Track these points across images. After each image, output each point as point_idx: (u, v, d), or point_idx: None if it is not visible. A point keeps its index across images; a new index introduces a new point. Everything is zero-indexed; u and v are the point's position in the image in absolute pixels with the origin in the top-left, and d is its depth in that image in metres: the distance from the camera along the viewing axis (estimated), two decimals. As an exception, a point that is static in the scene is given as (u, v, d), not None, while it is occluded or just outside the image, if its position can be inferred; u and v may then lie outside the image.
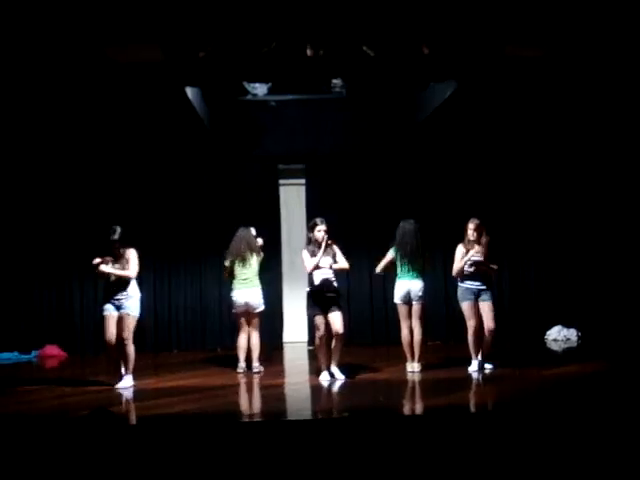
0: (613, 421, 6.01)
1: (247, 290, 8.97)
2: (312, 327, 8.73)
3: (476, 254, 8.59)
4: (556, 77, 9.62)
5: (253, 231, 9.18)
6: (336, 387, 8.14)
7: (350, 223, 11.53)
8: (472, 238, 8.62)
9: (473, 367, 8.62)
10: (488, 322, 8.57)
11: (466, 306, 8.63)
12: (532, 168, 11.87)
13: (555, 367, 9.02)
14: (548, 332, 11.62)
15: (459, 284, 8.70)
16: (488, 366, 8.67)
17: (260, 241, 9.22)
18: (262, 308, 9.11)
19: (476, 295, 8.60)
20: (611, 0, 7.25)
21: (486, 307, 8.60)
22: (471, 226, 8.65)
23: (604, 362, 9.24)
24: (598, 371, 8.56)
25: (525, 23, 7.53)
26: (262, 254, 9.17)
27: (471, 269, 8.60)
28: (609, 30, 7.95)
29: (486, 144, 11.72)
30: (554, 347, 11.03)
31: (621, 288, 11.58)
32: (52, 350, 11.30)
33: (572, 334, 11.52)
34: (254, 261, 9.05)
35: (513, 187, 11.85)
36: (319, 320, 8.34)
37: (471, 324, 8.59)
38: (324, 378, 8.36)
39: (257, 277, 9.08)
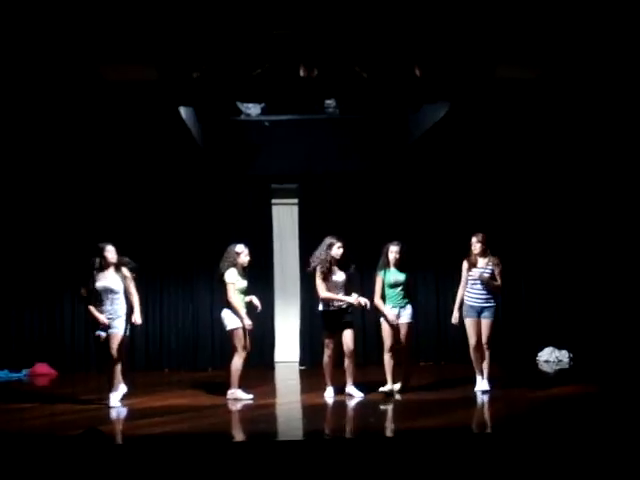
0: (604, 443, 6.01)
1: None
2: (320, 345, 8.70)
3: (486, 268, 8.62)
4: (548, 98, 9.67)
5: (238, 247, 8.72)
6: (331, 407, 8.14)
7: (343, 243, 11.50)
8: (476, 252, 8.65)
9: (479, 386, 8.66)
10: (483, 338, 8.61)
11: (468, 323, 8.66)
12: (523, 188, 11.92)
13: (547, 388, 9.01)
14: (540, 353, 11.63)
15: (464, 301, 8.71)
16: (486, 387, 8.68)
17: (239, 248, 8.67)
18: (228, 328, 8.57)
19: (479, 312, 8.63)
20: (602, 21, 7.29)
21: (484, 323, 8.62)
22: (474, 240, 8.68)
23: (595, 384, 9.24)
24: (589, 393, 8.57)
25: (516, 45, 7.58)
26: (225, 271, 8.57)
27: (475, 285, 8.63)
28: (601, 51, 8.01)
29: (478, 164, 11.77)
30: (546, 368, 11.03)
31: (613, 310, 11.60)
32: (42, 368, 11.25)
33: (564, 356, 11.53)
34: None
35: (504, 207, 11.89)
36: (331, 339, 8.48)
37: (471, 342, 8.65)
38: (329, 395, 8.49)
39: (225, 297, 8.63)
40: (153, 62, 7.35)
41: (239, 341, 8.49)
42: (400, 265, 8.71)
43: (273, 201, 12.08)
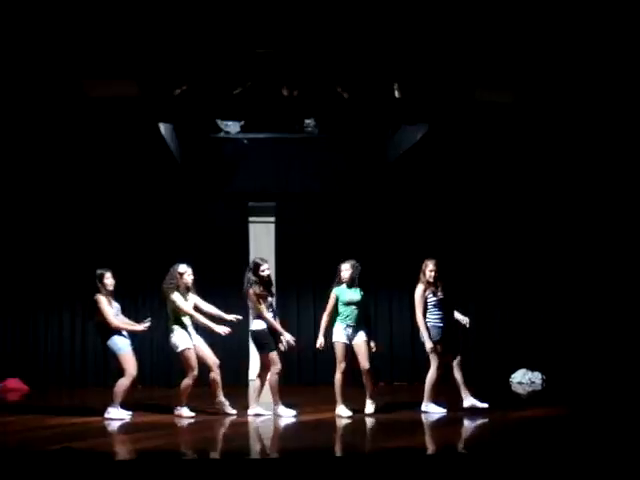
0: (575, 465, 6.06)
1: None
2: (266, 364, 8.60)
3: (440, 294, 8.64)
4: (526, 122, 9.79)
5: (181, 268, 8.66)
6: (298, 425, 8.13)
7: (318, 263, 11.56)
8: (431, 280, 8.63)
9: (468, 402, 8.67)
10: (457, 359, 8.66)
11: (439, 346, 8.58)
12: (498, 211, 12.03)
13: (519, 410, 9.05)
14: (513, 375, 11.72)
15: (431, 325, 8.64)
16: (481, 404, 8.69)
17: (182, 269, 8.64)
18: (178, 350, 8.61)
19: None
20: (580, 46, 7.41)
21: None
22: (431, 267, 8.66)
23: (567, 406, 9.31)
24: (562, 415, 8.63)
25: (494, 69, 7.69)
26: (171, 294, 8.52)
27: (437, 310, 8.64)
28: (580, 75, 8.13)
29: (456, 186, 11.88)
30: (519, 390, 11.10)
31: (585, 331, 11.74)
32: (14, 383, 11.15)
33: (537, 377, 11.62)
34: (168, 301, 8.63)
35: (480, 230, 12.00)
36: (276, 355, 8.50)
37: (436, 363, 8.56)
38: (261, 412, 8.60)
39: (170, 319, 8.65)
40: (136, 79, 7.36)
41: (188, 361, 8.55)
42: (353, 283, 8.69)
43: (250, 219, 12.09)
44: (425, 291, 8.63)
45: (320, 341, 8.63)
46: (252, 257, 11.56)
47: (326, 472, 6.03)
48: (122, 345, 8.43)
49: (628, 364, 11.25)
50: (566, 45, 7.32)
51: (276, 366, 8.48)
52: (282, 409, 8.56)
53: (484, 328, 11.97)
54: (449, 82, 7.99)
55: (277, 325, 8.57)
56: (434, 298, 8.65)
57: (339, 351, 8.55)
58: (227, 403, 8.75)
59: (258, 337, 8.56)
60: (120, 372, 8.44)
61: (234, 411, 8.71)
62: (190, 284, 8.71)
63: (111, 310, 8.42)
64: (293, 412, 8.54)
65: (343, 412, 8.49)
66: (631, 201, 11.54)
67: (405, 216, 11.98)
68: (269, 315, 8.52)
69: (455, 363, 8.67)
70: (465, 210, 12.02)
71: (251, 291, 8.47)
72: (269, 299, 8.60)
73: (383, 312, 11.86)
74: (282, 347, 8.56)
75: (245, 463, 6.42)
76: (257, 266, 8.56)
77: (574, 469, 5.98)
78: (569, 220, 11.97)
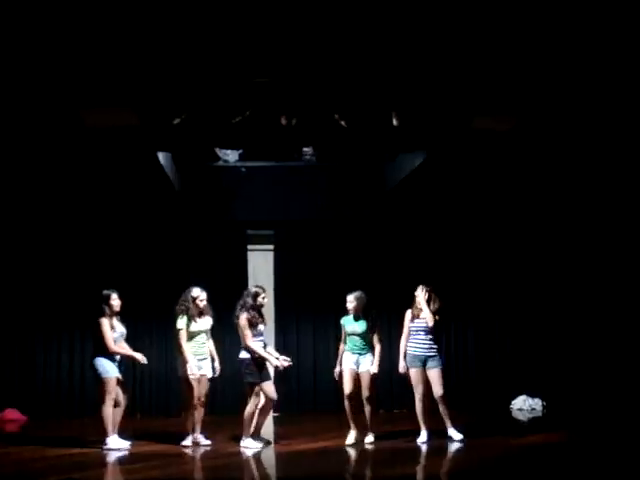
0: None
1: None
2: (247, 394, 8.36)
3: (422, 320, 8.60)
4: (525, 149, 9.80)
5: (194, 292, 8.74)
6: (305, 455, 8.07)
7: (318, 291, 11.56)
8: (419, 306, 8.66)
9: (422, 438, 8.51)
10: (436, 389, 8.54)
11: (412, 373, 8.60)
12: (498, 236, 12.05)
13: (520, 437, 9.02)
14: (513, 402, 11.65)
15: (407, 351, 8.67)
16: (457, 436, 8.57)
17: (196, 293, 8.70)
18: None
19: (423, 362, 8.58)
20: (578, 71, 7.42)
21: (433, 374, 8.57)
22: (417, 292, 8.69)
23: (568, 432, 9.27)
24: (563, 441, 8.59)
25: (493, 97, 7.70)
26: (178, 317, 8.69)
27: (418, 335, 8.61)
28: (578, 101, 8.14)
29: (455, 212, 11.88)
30: (520, 417, 11.04)
31: (585, 357, 11.71)
32: (12, 414, 11.07)
33: (537, 404, 11.56)
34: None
35: (479, 255, 12.00)
36: (261, 387, 8.31)
37: (418, 391, 8.57)
38: (252, 445, 8.32)
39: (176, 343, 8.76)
40: (135, 108, 7.38)
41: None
42: (357, 314, 8.68)
43: (249, 247, 12.08)
44: (412, 316, 8.67)
45: (336, 370, 8.68)
46: (250, 285, 11.57)
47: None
48: (109, 368, 8.22)
49: (629, 389, 11.21)
50: (564, 72, 7.34)
51: (256, 399, 8.31)
52: (248, 441, 8.34)
53: (483, 354, 11.95)
54: (447, 110, 8.01)
55: (263, 353, 8.35)
56: (413, 324, 8.64)
57: (346, 378, 8.53)
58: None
59: (241, 366, 8.43)
60: (100, 398, 8.25)
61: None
62: (203, 308, 8.70)
63: (111, 335, 8.35)
64: (259, 445, 8.35)
65: (351, 439, 8.48)
66: (632, 227, 11.56)
67: (404, 242, 11.98)
68: (255, 344, 8.35)
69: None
70: (465, 236, 12.03)
71: (243, 316, 8.40)
72: (260, 327, 8.45)
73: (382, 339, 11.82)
74: (277, 364, 8.43)
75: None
76: (257, 295, 8.53)
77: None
78: (568, 246, 11.99)
